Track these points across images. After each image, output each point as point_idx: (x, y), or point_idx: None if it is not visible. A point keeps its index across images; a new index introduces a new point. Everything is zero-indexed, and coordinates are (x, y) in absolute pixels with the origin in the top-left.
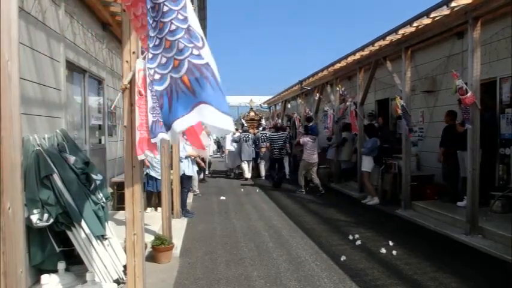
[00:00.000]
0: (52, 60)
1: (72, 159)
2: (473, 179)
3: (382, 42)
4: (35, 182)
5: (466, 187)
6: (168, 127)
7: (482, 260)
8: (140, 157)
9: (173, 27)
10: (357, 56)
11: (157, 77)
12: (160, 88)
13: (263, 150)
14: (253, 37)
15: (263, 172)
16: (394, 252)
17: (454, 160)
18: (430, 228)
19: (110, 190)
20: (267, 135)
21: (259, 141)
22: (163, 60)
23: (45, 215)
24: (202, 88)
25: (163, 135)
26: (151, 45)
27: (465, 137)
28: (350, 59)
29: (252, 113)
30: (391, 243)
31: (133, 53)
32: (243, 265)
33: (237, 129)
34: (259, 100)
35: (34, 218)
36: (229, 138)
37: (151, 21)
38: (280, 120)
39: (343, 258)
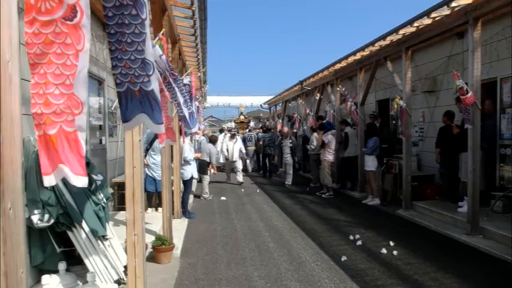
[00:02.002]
0: None
1: None
2: (473, 179)
3: (382, 42)
4: (35, 182)
5: (466, 189)
6: (124, 120)
7: (483, 260)
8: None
9: (132, 57)
10: (358, 56)
11: (118, 81)
12: (120, 90)
13: (251, 148)
14: (253, 38)
15: (249, 167)
16: (394, 252)
17: (450, 160)
18: (431, 228)
19: (110, 190)
20: (252, 135)
21: (247, 141)
22: (124, 72)
23: (46, 216)
24: (145, 102)
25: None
26: (113, 56)
27: (461, 137)
28: (350, 59)
29: (242, 117)
30: (391, 243)
31: None
32: (244, 265)
33: (229, 131)
34: (259, 101)
35: (35, 218)
36: (220, 138)
37: (115, 39)
38: (281, 120)
39: (343, 258)
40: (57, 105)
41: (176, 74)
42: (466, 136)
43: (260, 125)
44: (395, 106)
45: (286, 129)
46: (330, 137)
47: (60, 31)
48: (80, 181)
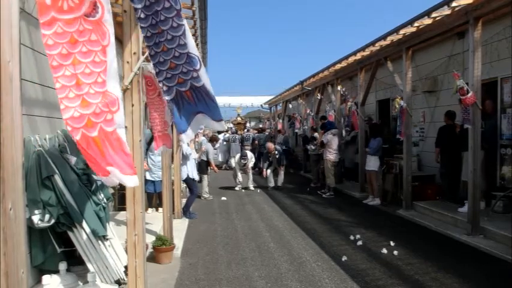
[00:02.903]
0: None
1: (73, 159)
2: (474, 179)
3: (383, 42)
4: (36, 182)
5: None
6: (182, 131)
7: (483, 260)
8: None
9: (177, 53)
10: (358, 56)
11: (165, 88)
12: (168, 98)
13: (247, 147)
14: (253, 38)
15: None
16: (395, 252)
17: (451, 160)
18: (432, 228)
19: (111, 191)
20: (250, 135)
21: (244, 140)
22: (169, 75)
23: (47, 216)
24: (200, 101)
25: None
26: (155, 62)
27: (462, 137)
28: (351, 59)
29: (239, 118)
30: (392, 243)
31: (134, 53)
32: (244, 265)
33: (227, 131)
34: (260, 101)
35: (35, 218)
36: (220, 138)
37: (152, 42)
38: (282, 120)
39: (344, 258)
40: (95, 104)
41: None
42: (467, 136)
43: (260, 125)
44: (397, 106)
45: (270, 145)
46: (329, 137)
47: (83, 29)
48: (131, 181)
